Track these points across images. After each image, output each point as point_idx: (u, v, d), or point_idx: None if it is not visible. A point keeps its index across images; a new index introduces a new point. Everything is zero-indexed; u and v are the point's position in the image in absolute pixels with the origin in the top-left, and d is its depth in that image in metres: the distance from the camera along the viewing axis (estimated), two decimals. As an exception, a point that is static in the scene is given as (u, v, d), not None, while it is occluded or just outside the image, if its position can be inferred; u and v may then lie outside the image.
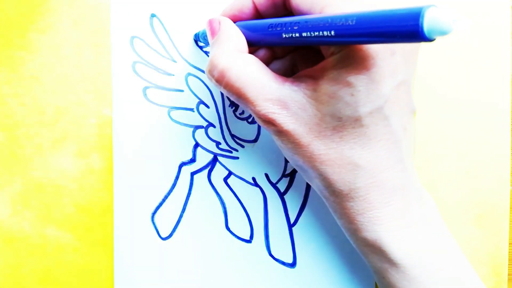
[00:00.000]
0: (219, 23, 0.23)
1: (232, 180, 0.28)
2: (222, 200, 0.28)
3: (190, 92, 0.28)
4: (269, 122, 0.21)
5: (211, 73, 0.21)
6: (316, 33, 0.18)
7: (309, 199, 0.28)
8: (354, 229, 0.22)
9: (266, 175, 0.28)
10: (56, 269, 0.28)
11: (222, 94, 0.28)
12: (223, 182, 0.28)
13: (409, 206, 0.21)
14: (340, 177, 0.21)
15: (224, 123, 0.28)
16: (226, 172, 0.28)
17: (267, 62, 0.25)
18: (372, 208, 0.21)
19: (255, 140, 0.28)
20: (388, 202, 0.21)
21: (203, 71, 0.28)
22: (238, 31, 0.22)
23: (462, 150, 0.29)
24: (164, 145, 0.28)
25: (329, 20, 0.17)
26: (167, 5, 0.28)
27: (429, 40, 0.14)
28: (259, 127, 0.28)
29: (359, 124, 0.20)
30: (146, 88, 0.28)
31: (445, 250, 0.22)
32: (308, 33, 0.18)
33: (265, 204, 0.28)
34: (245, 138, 0.28)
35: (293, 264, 0.28)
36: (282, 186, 0.28)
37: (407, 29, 0.15)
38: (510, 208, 0.28)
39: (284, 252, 0.28)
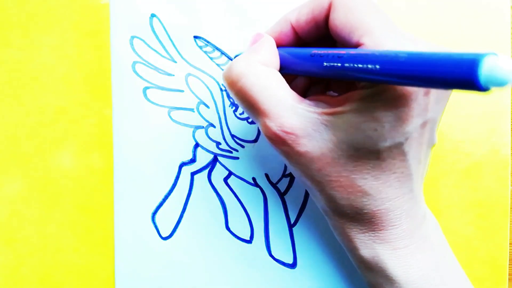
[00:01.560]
0: (262, 36, 0.22)
1: (232, 180, 0.28)
2: (222, 200, 0.28)
3: (190, 92, 0.28)
4: (280, 141, 0.20)
5: (226, 75, 0.21)
6: (360, 65, 0.17)
7: (309, 199, 0.28)
8: (353, 247, 0.21)
9: (266, 175, 0.28)
10: (56, 269, 0.28)
11: (222, 94, 0.28)
12: (223, 182, 0.28)
13: (413, 227, 0.21)
14: (348, 203, 0.20)
15: (224, 123, 0.28)
16: (226, 172, 0.28)
17: (302, 91, 0.25)
18: (375, 229, 0.20)
19: (255, 140, 0.28)
20: (393, 225, 0.20)
21: (203, 71, 0.28)
22: (273, 49, 0.22)
23: (462, 150, 0.29)
24: (164, 145, 0.28)
25: (377, 55, 0.16)
26: (167, 5, 0.28)
27: (484, 90, 0.13)
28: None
29: (375, 156, 0.19)
30: (146, 88, 0.28)
31: (444, 267, 0.21)
32: (351, 64, 0.17)
33: (265, 204, 0.28)
34: (245, 138, 0.28)
35: (293, 265, 0.28)
36: (282, 186, 0.28)
37: (461, 77, 0.13)
38: (510, 208, 0.28)
39: (284, 252, 0.28)
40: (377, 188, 0.20)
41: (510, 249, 0.28)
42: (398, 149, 0.19)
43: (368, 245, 0.21)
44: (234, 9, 0.28)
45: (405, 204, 0.20)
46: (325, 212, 0.22)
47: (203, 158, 0.28)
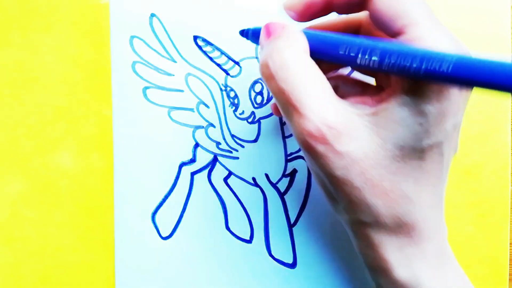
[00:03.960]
0: (284, 26, 0.20)
1: (232, 180, 0.28)
2: (222, 200, 0.28)
3: (190, 92, 0.28)
4: (320, 138, 0.18)
5: (268, 62, 0.19)
6: (402, 64, 0.17)
7: (309, 199, 0.28)
8: (386, 267, 0.19)
9: (266, 175, 0.28)
10: (56, 269, 0.28)
11: (222, 94, 0.28)
12: (223, 182, 0.28)
13: (442, 243, 0.20)
14: (389, 211, 0.19)
15: (224, 123, 0.28)
16: (226, 172, 0.28)
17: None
18: (412, 243, 0.19)
19: (255, 140, 0.28)
20: (428, 238, 0.19)
21: (203, 71, 0.28)
22: (304, 36, 0.20)
23: (462, 150, 0.29)
24: (164, 145, 0.28)
25: (421, 54, 0.16)
26: (167, 5, 0.28)
27: None
28: (259, 127, 0.28)
29: (418, 156, 0.18)
30: (146, 88, 0.28)
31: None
32: (391, 61, 0.17)
33: (265, 204, 0.28)
34: (245, 138, 0.28)
35: (293, 265, 0.28)
36: (282, 186, 0.28)
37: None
38: (510, 208, 0.28)
39: (284, 252, 0.28)
40: (417, 193, 0.19)
41: (510, 249, 0.28)
42: (438, 148, 0.18)
43: (405, 264, 0.19)
44: (234, 9, 0.28)
45: (438, 215, 0.20)
46: (357, 227, 0.20)
47: (203, 158, 0.28)
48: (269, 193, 0.28)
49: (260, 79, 0.28)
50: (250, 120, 0.28)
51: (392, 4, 0.18)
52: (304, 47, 0.19)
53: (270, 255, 0.28)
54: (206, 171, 0.28)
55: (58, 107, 0.28)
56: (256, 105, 0.28)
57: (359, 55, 0.18)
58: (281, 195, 0.28)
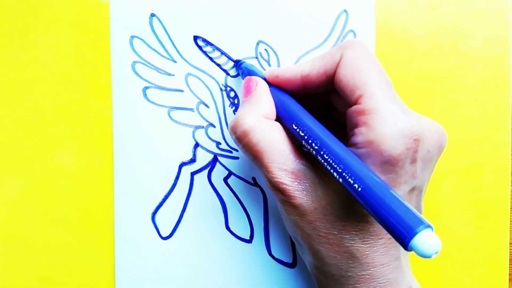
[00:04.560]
0: (256, 84, 0.23)
1: (232, 180, 0.28)
2: (222, 200, 0.28)
3: (190, 92, 0.28)
4: (279, 191, 0.21)
5: (233, 129, 0.22)
6: (328, 166, 0.19)
7: (309, 199, 0.28)
8: None
9: (266, 175, 0.28)
10: (56, 269, 0.28)
11: (222, 94, 0.28)
12: (223, 182, 0.28)
13: None
14: (333, 262, 0.20)
15: (224, 123, 0.28)
16: (226, 172, 0.28)
17: None
18: None
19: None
20: None
21: (203, 71, 0.28)
22: (270, 98, 0.23)
23: (462, 150, 0.29)
24: (164, 145, 0.28)
25: (342, 165, 0.18)
26: (167, 5, 0.28)
27: (408, 250, 0.16)
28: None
29: (364, 220, 0.20)
30: (146, 88, 0.28)
31: None
32: (322, 158, 0.19)
33: (265, 204, 0.28)
34: (245, 138, 0.28)
35: (293, 264, 0.28)
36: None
37: (397, 235, 0.16)
38: (510, 208, 0.28)
39: (284, 252, 0.28)
40: (363, 252, 0.20)
41: (510, 249, 0.28)
42: None
43: None
44: (234, 9, 0.28)
45: (391, 273, 0.20)
46: (312, 270, 0.23)
47: (203, 158, 0.28)
48: (269, 193, 0.28)
49: (260, 79, 0.28)
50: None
51: (352, 77, 0.20)
52: (264, 112, 0.22)
53: (270, 255, 0.28)
54: (206, 171, 0.28)
55: (58, 107, 0.28)
56: (256, 105, 0.28)
57: (305, 137, 0.20)
58: (281, 195, 0.28)
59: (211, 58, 0.28)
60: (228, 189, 0.28)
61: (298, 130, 0.21)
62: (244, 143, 0.21)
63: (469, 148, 0.29)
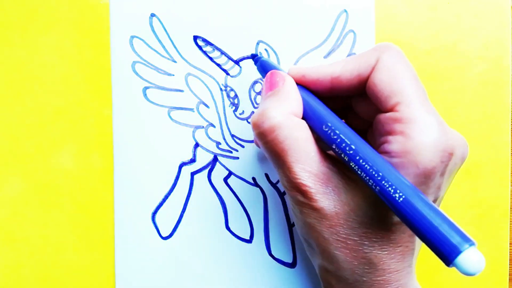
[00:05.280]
0: (284, 80, 0.22)
1: (232, 180, 0.28)
2: (222, 200, 0.28)
3: (190, 92, 0.28)
4: (301, 192, 0.20)
5: (258, 123, 0.21)
6: (363, 173, 0.18)
7: (309, 199, 0.28)
8: None
9: (266, 175, 0.28)
10: (56, 269, 0.28)
11: (222, 94, 0.28)
12: (223, 182, 0.28)
13: None
14: (349, 267, 0.20)
15: (224, 123, 0.28)
16: (226, 172, 0.28)
17: None
18: None
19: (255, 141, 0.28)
20: None
21: (203, 71, 0.28)
22: (299, 96, 0.22)
23: (462, 150, 0.29)
24: (164, 145, 0.28)
25: (381, 173, 0.17)
26: (167, 5, 0.28)
27: (449, 267, 0.15)
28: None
29: (386, 228, 0.19)
30: (146, 88, 0.28)
31: None
32: (357, 164, 0.18)
33: (265, 204, 0.28)
34: (245, 138, 0.28)
35: (293, 264, 0.28)
36: (282, 186, 0.28)
37: (441, 253, 0.15)
38: (510, 208, 0.28)
39: (284, 252, 0.28)
40: (381, 258, 0.20)
41: (510, 249, 0.28)
42: None
43: None
44: (234, 9, 0.28)
45: (403, 279, 0.20)
46: (322, 274, 0.22)
47: (203, 158, 0.28)
48: (269, 193, 0.28)
49: (260, 78, 0.28)
50: (250, 120, 0.28)
51: (390, 83, 0.19)
52: (292, 109, 0.21)
53: (270, 254, 0.28)
54: (206, 171, 0.28)
55: (58, 107, 0.28)
56: (256, 105, 0.28)
57: (337, 141, 0.19)
58: (281, 195, 0.28)
59: (211, 58, 0.28)
60: (228, 189, 0.28)
61: (329, 132, 0.20)
62: (269, 139, 0.20)
63: (469, 148, 0.28)
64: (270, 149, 0.20)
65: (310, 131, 0.21)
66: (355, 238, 0.20)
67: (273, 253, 0.28)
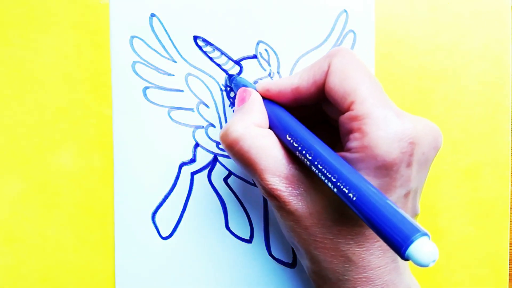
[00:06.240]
0: (250, 95, 0.23)
1: (232, 180, 0.28)
2: (222, 200, 0.28)
3: (190, 92, 0.28)
4: (274, 197, 0.21)
5: (224, 138, 0.22)
6: (322, 176, 0.19)
7: (309, 199, 0.28)
8: None
9: (266, 175, 0.28)
10: (56, 269, 0.28)
11: (222, 94, 0.28)
12: (223, 182, 0.28)
13: None
14: (330, 266, 0.20)
15: (224, 123, 0.28)
16: (226, 172, 0.28)
17: None
18: None
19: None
20: None
21: (203, 71, 0.28)
22: (263, 108, 0.23)
23: (462, 150, 0.29)
24: (164, 145, 0.28)
25: (336, 174, 0.18)
26: (167, 5, 0.28)
27: (405, 259, 0.15)
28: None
29: (359, 224, 0.20)
30: (146, 88, 0.28)
31: None
32: (317, 168, 0.19)
33: (265, 204, 0.28)
34: (245, 138, 0.28)
35: (293, 264, 0.28)
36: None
37: (393, 244, 0.16)
38: (510, 208, 0.28)
39: (283, 252, 0.28)
40: (359, 255, 0.20)
41: (510, 249, 0.28)
42: None
43: None
44: (234, 9, 0.28)
45: (387, 275, 0.20)
46: (310, 274, 0.23)
47: (203, 158, 0.28)
48: (269, 193, 0.28)
49: (259, 79, 0.28)
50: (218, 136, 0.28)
51: (342, 84, 0.20)
52: (255, 121, 0.22)
53: (270, 255, 0.28)
54: (206, 171, 0.28)
55: (58, 107, 0.28)
56: (256, 105, 0.28)
57: (298, 148, 0.20)
58: (281, 195, 0.28)
59: (211, 58, 0.28)
60: (228, 189, 0.28)
61: (291, 141, 0.21)
62: (235, 151, 0.21)
63: (469, 148, 0.29)
64: (239, 160, 0.21)
65: (277, 139, 0.22)
66: (331, 237, 0.20)
67: (273, 253, 0.28)
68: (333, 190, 0.18)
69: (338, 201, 0.20)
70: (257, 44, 0.28)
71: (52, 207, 0.28)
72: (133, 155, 0.28)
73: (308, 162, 0.19)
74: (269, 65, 0.28)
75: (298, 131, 0.21)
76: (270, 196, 0.21)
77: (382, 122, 0.18)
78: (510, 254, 0.28)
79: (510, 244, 0.28)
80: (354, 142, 0.19)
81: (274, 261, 0.28)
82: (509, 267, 0.29)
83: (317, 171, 0.19)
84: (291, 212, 0.20)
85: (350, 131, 0.19)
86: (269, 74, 0.28)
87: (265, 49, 0.28)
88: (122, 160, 0.28)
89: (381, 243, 0.20)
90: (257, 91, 0.24)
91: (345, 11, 0.28)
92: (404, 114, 0.19)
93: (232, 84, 0.27)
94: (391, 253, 0.20)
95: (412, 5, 0.28)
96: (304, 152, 0.20)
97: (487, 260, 0.28)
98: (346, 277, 0.20)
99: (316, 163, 0.19)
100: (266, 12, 0.28)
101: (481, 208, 0.28)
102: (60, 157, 0.28)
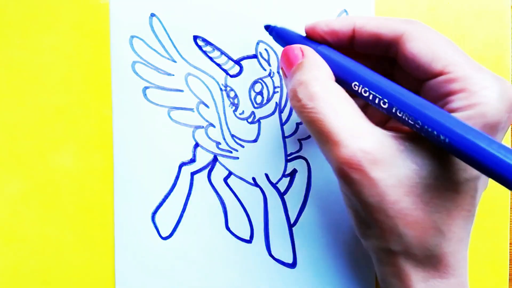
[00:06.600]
0: (303, 55, 0.21)
1: (232, 180, 0.28)
2: (222, 200, 0.28)
3: (190, 92, 0.28)
4: (355, 166, 0.18)
5: (296, 95, 0.19)
6: (411, 122, 0.17)
7: (309, 199, 0.28)
8: None
9: (266, 175, 0.28)
10: (56, 269, 0.28)
11: (222, 94, 0.28)
12: (223, 182, 0.28)
13: (465, 280, 0.20)
14: (419, 241, 0.19)
15: (224, 123, 0.28)
16: (226, 172, 0.28)
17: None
18: (437, 276, 0.19)
19: (255, 140, 0.28)
20: (453, 272, 0.19)
21: (203, 71, 0.28)
22: (324, 61, 0.21)
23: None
24: (164, 145, 0.28)
25: (426, 115, 0.17)
26: (167, 5, 0.28)
27: None
28: (259, 127, 0.28)
29: (453, 188, 0.18)
30: (146, 88, 0.28)
31: None
32: (396, 117, 0.18)
33: (265, 204, 0.28)
34: (245, 138, 0.28)
35: (293, 264, 0.28)
36: (282, 186, 0.28)
37: (505, 178, 0.15)
38: (510, 208, 0.28)
39: (284, 252, 0.28)
40: (448, 226, 0.19)
41: (510, 249, 0.28)
42: (474, 183, 0.19)
43: None
44: (234, 9, 0.28)
45: (464, 249, 0.20)
46: (385, 254, 0.20)
47: (203, 158, 0.28)
48: (269, 193, 0.28)
49: (260, 78, 0.28)
50: (250, 120, 0.28)
51: (430, 48, 0.19)
52: (327, 74, 0.20)
53: (270, 255, 0.28)
54: (206, 171, 0.28)
55: (58, 107, 0.28)
56: (256, 105, 0.28)
57: (370, 97, 0.18)
58: (281, 195, 0.28)
59: (211, 58, 0.28)
60: (228, 189, 0.28)
61: (360, 90, 0.18)
62: (311, 109, 0.19)
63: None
64: (313, 121, 0.19)
65: (348, 96, 0.19)
66: (423, 206, 0.18)
67: (273, 253, 0.28)
68: (422, 132, 0.17)
69: (431, 162, 0.18)
70: (257, 44, 0.28)
71: (52, 207, 0.28)
72: (133, 155, 0.28)
73: (384, 111, 0.18)
74: (269, 65, 0.28)
75: (367, 77, 0.19)
76: (351, 165, 0.18)
77: (486, 82, 0.18)
78: (510, 254, 0.28)
79: (510, 244, 0.28)
80: (459, 102, 0.18)
81: (274, 261, 0.28)
82: (509, 267, 0.29)
83: (399, 119, 0.17)
84: (376, 184, 0.18)
85: (450, 93, 0.18)
86: (269, 74, 0.28)
87: (265, 49, 0.28)
88: (122, 160, 0.28)
89: (465, 213, 0.19)
90: (303, 37, 0.22)
91: (345, 11, 0.28)
92: (501, 78, 0.19)
93: (273, 35, 0.24)
94: (469, 225, 0.20)
95: (412, 5, 0.28)
96: (377, 101, 0.18)
97: (487, 260, 0.28)
98: (434, 252, 0.19)
99: (394, 110, 0.18)
100: (266, 12, 0.28)
101: (481, 208, 0.28)
102: (60, 157, 0.28)
